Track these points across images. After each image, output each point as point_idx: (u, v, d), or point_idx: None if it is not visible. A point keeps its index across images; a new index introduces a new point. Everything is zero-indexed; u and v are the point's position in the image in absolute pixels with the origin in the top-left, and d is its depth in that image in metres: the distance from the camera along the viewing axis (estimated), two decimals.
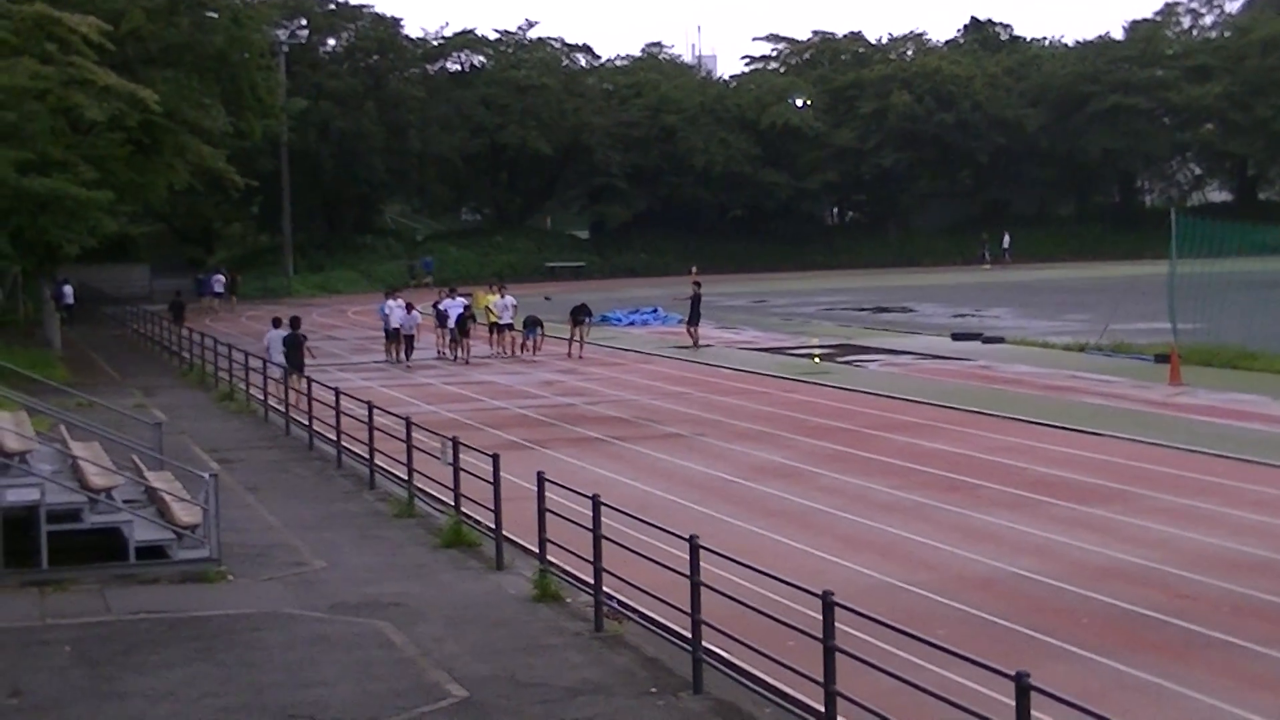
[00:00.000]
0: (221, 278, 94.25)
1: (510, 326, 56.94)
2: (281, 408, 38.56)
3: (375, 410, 30.43)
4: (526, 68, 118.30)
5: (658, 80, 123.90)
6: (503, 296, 57.50)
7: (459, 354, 55.01)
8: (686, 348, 57.36)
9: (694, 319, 59.14)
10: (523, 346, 56.62)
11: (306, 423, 35.63)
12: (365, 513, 27.18)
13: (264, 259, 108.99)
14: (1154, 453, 31.01)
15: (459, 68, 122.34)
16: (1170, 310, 50.08)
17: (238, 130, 70.99)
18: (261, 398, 41.40)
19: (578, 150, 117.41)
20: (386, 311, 55.80)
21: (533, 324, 56.84)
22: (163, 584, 21.68)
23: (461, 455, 24.67)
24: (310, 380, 37.98)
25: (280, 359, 41.75)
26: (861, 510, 26.16)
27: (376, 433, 29.64)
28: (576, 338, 55.99)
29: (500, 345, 56.56)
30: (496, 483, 22.56)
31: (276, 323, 44.66)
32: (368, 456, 30.19)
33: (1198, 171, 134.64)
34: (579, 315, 56.20)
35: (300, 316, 46.42)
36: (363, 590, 21.20)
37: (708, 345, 58.04)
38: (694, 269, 62.93)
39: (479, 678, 16.86)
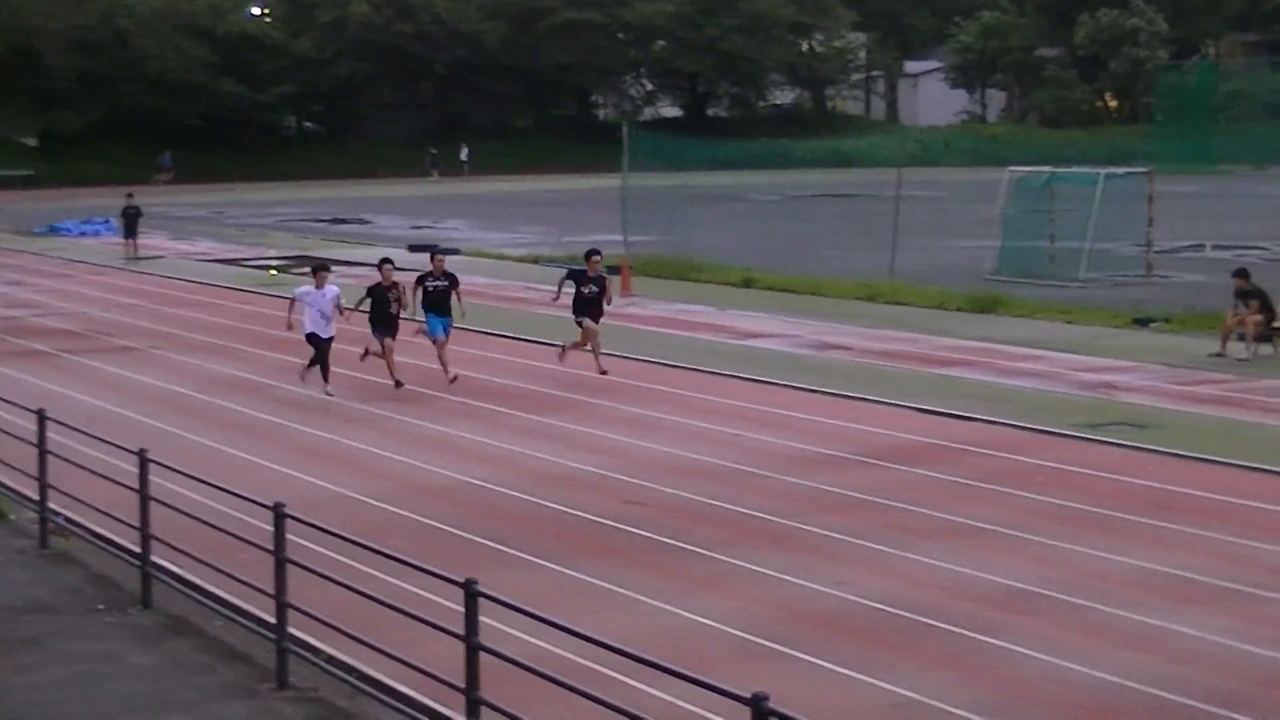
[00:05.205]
0: None
1: None
2: None
3: None
4: None
5: None
6: None
7: None
8: (136, 259, 56.02)
9: (130, 232, 57.77)
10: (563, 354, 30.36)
11: None
12: None
13: None
14: (605, 362, 31.65)
15: None
16: (622, 223, 51.13)
17: None
18: None
19: (27, 55, 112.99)
20: None
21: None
22: None
23: None
24: None
25: None
26: (319, 422, 26.07)
27: None
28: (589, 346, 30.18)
29: None
30: None
31: None
32: None
33: (650, 87, 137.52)
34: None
35: None
36: None
37: (160, 256, 56.80)
38: (129, 194, 61.08)
39: None
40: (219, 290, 46.20)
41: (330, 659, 14.15)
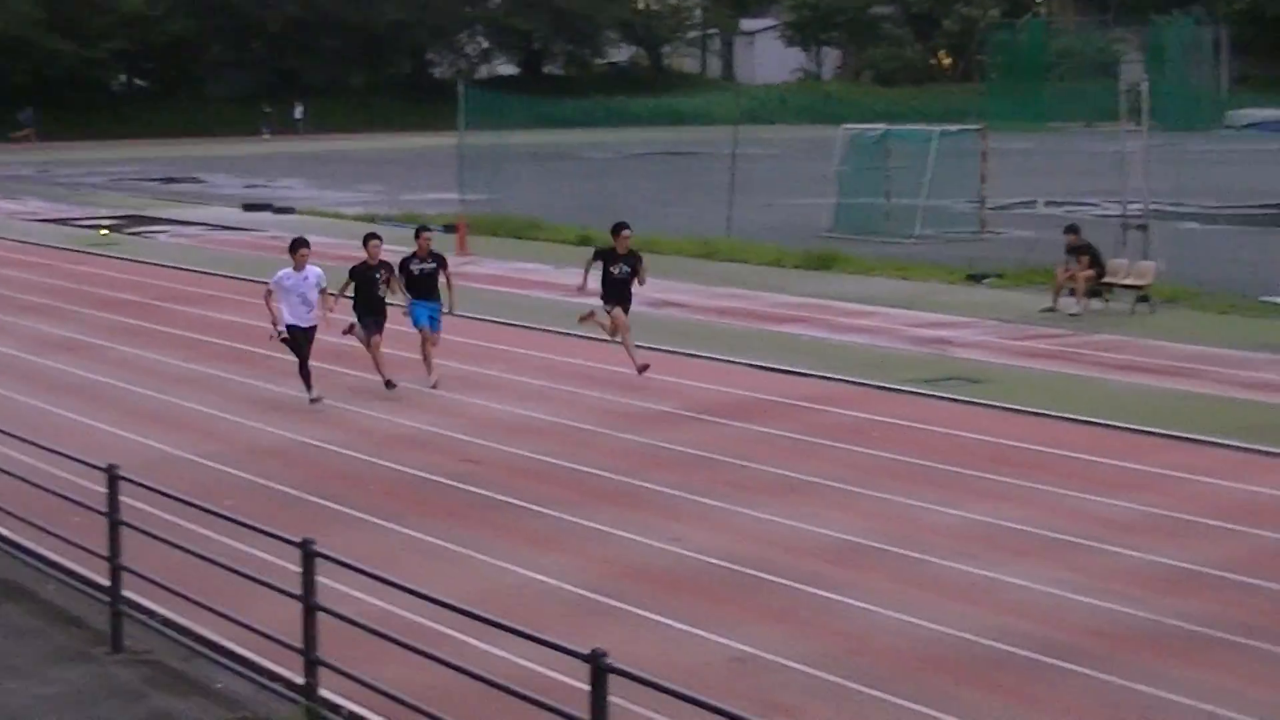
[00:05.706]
0: None
1: None
2: None
3: None
4: None
5: None
6: None
7: None
8: None
9: None
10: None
11: None
12: None
13: None
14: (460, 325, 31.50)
15: None
16: (459, 181, 50.92)
17: None
18: None
19: None
20: None
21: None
22: None
23: None
24: None
25: None
26: (151, 383, 25.78)
27: None
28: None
29: None
30: None
31: None
32: None
33: (486, 45, 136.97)
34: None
35: None
36: None
37: None
38: None
39: None
40: (48, 250, 45.52)
41: (166, 621, 14.01)
